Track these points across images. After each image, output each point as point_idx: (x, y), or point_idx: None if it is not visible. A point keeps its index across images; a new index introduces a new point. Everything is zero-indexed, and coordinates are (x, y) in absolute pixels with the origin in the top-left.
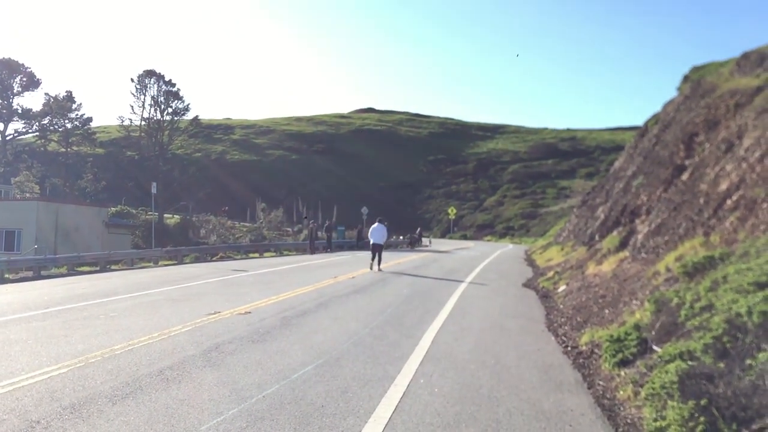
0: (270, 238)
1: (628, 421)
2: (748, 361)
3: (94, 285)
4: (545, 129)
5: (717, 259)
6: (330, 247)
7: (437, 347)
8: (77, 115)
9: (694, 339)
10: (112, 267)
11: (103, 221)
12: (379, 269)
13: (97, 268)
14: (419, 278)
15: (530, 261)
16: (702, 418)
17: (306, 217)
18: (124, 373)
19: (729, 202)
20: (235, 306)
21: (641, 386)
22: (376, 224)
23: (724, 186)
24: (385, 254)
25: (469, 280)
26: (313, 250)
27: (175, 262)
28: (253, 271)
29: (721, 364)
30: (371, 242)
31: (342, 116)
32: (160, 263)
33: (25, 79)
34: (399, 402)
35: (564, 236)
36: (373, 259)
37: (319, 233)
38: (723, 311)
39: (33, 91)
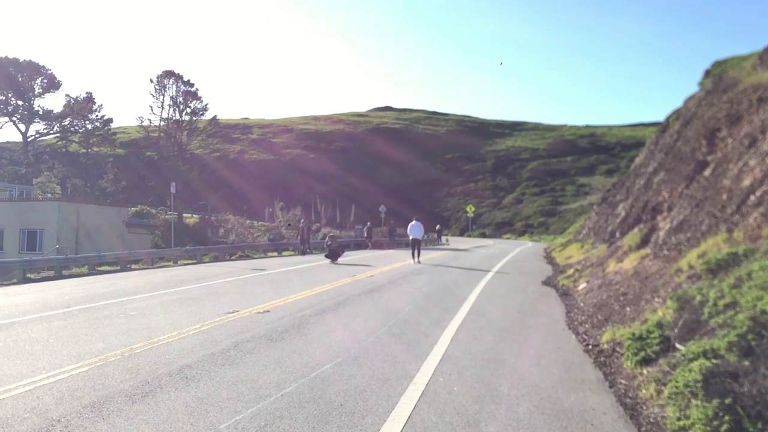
0: (288, 237)
1: (651, 420)
2: None
3: (114, 284)
4: (564, 126)
5: (741, 256)
6: (306, 248)
7: (456, 345)
8: (97, 116)
9: (718, 337)
10: (132, 266)
11: (124, 221)
12: (418, 261)
13: (118, 268)
14: (438, 276)
15: (549, 259)
16: (727, 417)
17: (291, 224)
18: (143, 372)
19: (752, 197)
20: (254, 305)
21: (664, 385)
22: (413, 222)
23: (747, 181)
24: (403, 253)
25: (489, 278)
26: (305, 251)
27: (194, 261)
28: (271, 270)
29: (746, 362)
30: (410, 238)
31: (359, 115)
32: (179, 262)
33: (45, 81)
34: (418, 401)
35: (584, 234)
36: (412, 253)
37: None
38: (747, 308)
39: (54, 92)
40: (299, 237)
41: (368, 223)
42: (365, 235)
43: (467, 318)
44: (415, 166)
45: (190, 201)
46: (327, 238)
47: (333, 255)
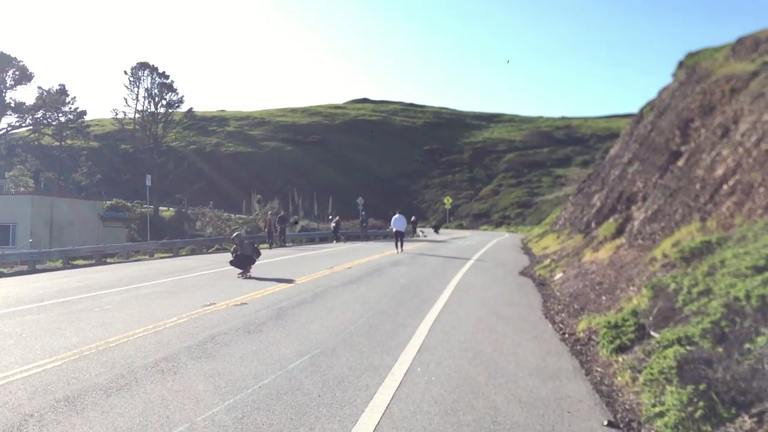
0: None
1: (627, 407)
2: (747, 346)
3: (88, 278)
4: (540, 117)
5: (714, 244)
6: (281, 240)
7: (434, 336)
8: (71, 108)
9: (692, 324)
10: (108, 260)
11: (98, 215)
12: (402, 250)
13: (93, 262)
14: (416, 267)
15: (526, 249)
16: (701, 403)
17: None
18: (118, 365)
19: (725, 187)
20: (231, 297)
21: (639, 372)
22: (397, 215)
23: (720, 171)
24: (380, 244)
25: (466, 269)
26: (272, 243)
27: (171, 254)
28: None
29: (720, 349)
30: (394, 230)
31: (337, 107)
32: (155, 256)
33: (17, 72)
34: (396, 391)
35: (560, 224)
36: (396, 243)
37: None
38: (721, 296)
39: (26, 84)
40: (266, 230)
41: (336, 217)
42: (333, 228)
43: (445, 309)
44: (392, 158)
45: (167, 194)
46: (234, 237)
47: (241, 263)
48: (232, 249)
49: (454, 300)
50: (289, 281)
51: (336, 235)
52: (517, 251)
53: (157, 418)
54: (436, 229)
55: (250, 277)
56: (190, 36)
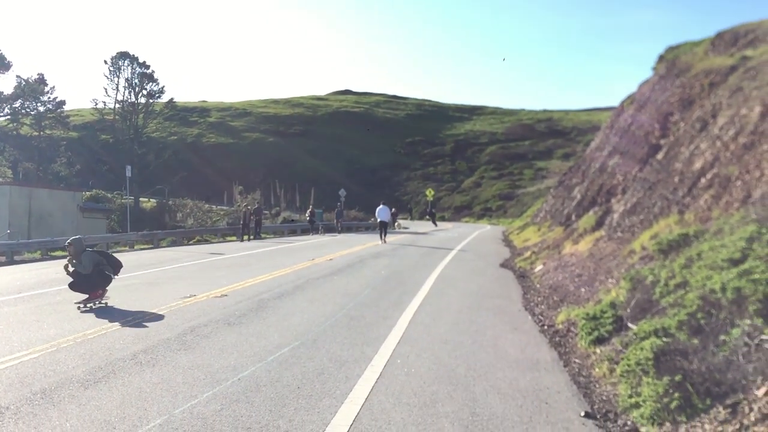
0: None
1: (604, 398)
2: (722, 337)
3: None
4: (522, 110)
5: (691, 237)
6: (256, 233)
7: (414, 328)
8: (50, 98)
9: (668, 316)
10: None
11: (78, 205)
12: (385, 242)
13: None
14: (397, 259)
15: (507, 241)
16: (676, 394)
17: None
18: (96, 358)
19: (703, 180)
20: (212, 289)
21: (616, 363)
22: (381, 206)
23: (698, 164)
24: (362, 236)
25: (447, 261)
26: (243, 237)
27: (152, 246)
28: (230, 254)
29: (696, 341)
30: (378, 220)
31: (319, 98)
32: (135, 247)
33: None
34: (375, 383)
35: (541, 217)
36: (380, 234)
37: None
38: (697, 288)
39: (3, 73)
40: (241, 222)
41: (310, 207)
42: (308, 219)
43: (426, 300)
44: (374, 150)
45: (147, 185)
46: (67, 244)
47: (84, 286)
48: (66, 263)
49: (434, 292)
50: (273, 271)
51: (312, 227)
52: (498, 243)
53: (134, 410)
54: (433, 217)
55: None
56: (172, 26)
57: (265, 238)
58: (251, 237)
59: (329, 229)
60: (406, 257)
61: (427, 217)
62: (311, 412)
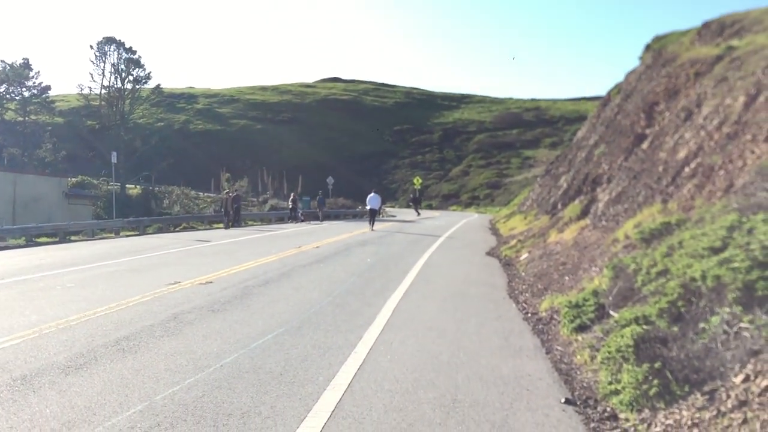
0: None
1: (584, 384)
2: (702, 325)
3: (52, 256)
4: (510, 99)
5: (673, 225)
6: (235, 221)
7: (399, 315)
8: (35, 83)
9: (649, 304)
10: (72, 238)
11: (64, 192)
12: (372, 229)
13: (56, 240)
14: (384, 247)
15: (494, 230)
16: (655, 381)
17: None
18: (78, 344)
19: (687, 169)
20: (197, 276)
21: (597, 351)
22: (372, 194)
23: (682, 154)
24: (350, 224)
25: (434, 249)
26: (228, 224)
27: (137, 232)
28: (216, 241)
29: (675, 328)
30: (368, 208)
31: (307, 86)
32: (121, 234)
33: None
34: (358, 369)
35: (527, 205)
36: (370, 221)
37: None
38: (678, 276)
39: None
40: (222, 209)
41: (292, 194)
42: (290, 206)
43: (411, 288)
44: (362, 138)
45: (134, 171)
46: None
47: None
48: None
49: (420, 280)
50: (259, 258)
51: (293, 215)
52: (485, 231)
53: (115, 397)
54: (417, 205)
55: None
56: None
57: (248, 225)
58: (231, 224)
59: (314, 217)
60: (393, 245)
61: (410, 204)
62: (293, 399)
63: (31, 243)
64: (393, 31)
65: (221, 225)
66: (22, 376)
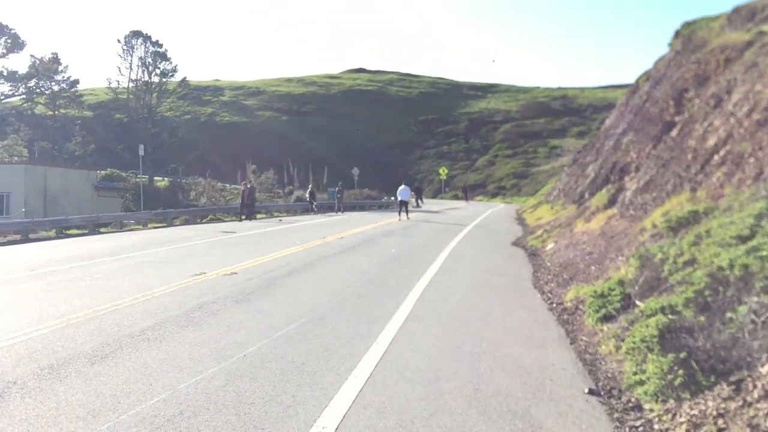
0: (261, 200)
1: (609, 375)
2: (729, 314)
3: (81, 248)
4: (537, 88)
5: (701, 214)
6: (248, 214)
7: (422, 305)
8: (64, 77)
9: (676, 293)
10: (101, 230)
11: (93, 184)
12: (408, 218)
13: (86, 231)
14: (408, 238)
15: (520, 220)
16: (681, 371)
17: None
18: (104, 334)
19: (716, 157)
20: (222, 267)
21: (623, 341)
22: (402, 186)
23: (712, 141)
24: (375, 215)
25: (459, 239)
26: (242, 216)
27: (165, 224)
28: (242, 232)
29: (702, 318)
30: (399, 199)
31: (332, 77)
32: (149, 226)
33: (9, 40)
34: (380, 359)
35: (554, 195)
36: (399, 212)
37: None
38: (705, 265)
39: (18, 53)
40: (240, 201)
41: (309, 186)
42: (308, 198)
43: (435, 278)
44: (388, 128)
45: (161, 164)
46: None
47: None
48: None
49: (444, 270)
50: (284, 249)
51: (311, 207)
52: (511, 222)
53: (140, 385)
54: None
55: None
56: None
57: (272, 216)
58: (243, 217)
59: (330, 209)
60: (418, 235)
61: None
62: (314, 388)
63: (61, 235)
64: (419, 21)
65: (243, 217)
66: (49, 365)
